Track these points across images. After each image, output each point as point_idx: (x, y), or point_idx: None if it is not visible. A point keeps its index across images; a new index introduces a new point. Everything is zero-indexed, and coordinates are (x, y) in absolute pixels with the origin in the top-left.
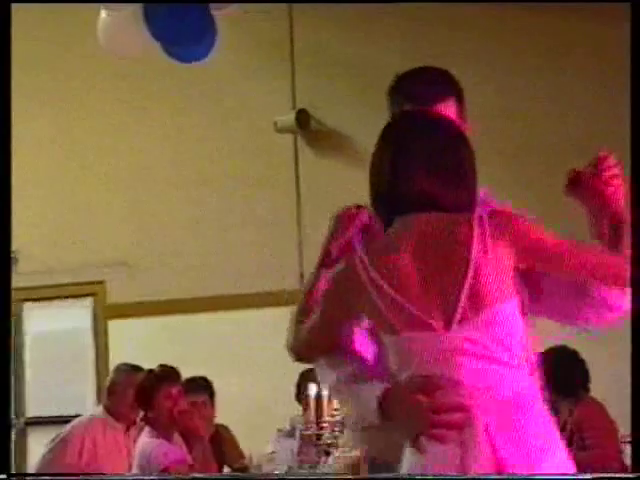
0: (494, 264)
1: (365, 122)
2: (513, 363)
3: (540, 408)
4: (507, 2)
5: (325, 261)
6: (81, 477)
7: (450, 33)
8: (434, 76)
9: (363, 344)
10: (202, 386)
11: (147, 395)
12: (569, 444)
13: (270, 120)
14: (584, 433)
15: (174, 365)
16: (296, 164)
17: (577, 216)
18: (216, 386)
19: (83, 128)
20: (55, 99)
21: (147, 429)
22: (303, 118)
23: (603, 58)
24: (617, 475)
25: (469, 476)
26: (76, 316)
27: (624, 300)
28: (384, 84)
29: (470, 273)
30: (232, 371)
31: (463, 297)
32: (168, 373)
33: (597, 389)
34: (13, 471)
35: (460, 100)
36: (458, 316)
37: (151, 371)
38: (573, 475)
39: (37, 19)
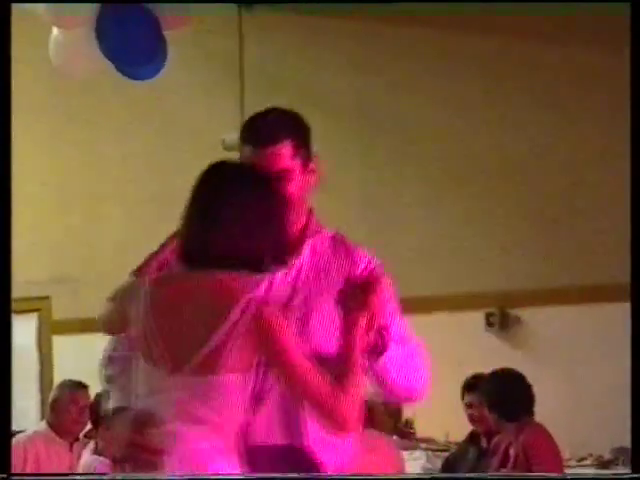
0: (237, 344)
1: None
2: (221, 433)
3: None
4: (505, 2)
5: (140, 270)
6: (81, 477)
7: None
8: (274, 118)
9: None
10: None
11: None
12: (514, 466)
13: (218, 138)
14: (530, 457)
15: None
16: None
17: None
18: None
19: (26, 147)
20: None
21: (91, 445)
22: None
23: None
24: (617, 475)
25: (469, 475)
26: (21, 332)
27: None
28: (335, 104)
29: (213, 340)
30: None
31: (200, 355)
32: None
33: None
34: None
35: (299, 142)
36: (188, 368)
37: None
38: (571, 475)
39: None
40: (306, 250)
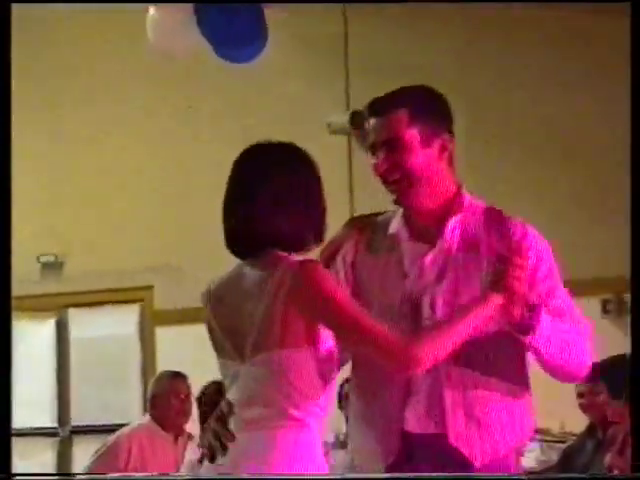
0: (282, 314)
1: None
2: (296, 415)
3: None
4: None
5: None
6: (85, 477)
7: (507, 37)
8: (395, 91)
9: None
10: None
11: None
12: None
13: (323, 122)
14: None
15: None
16: (350, 166)
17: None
18: None
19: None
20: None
21: (195, 442)
22: (357, 119)
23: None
24: (617, 475)
25: (471, 476)
26: (123, 322)
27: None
28: (439, 85)
29: (260, 317)
30: None
31: (252, 336)
32: None
33: None
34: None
35: (416, 112)
36: (248, 352)
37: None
38: (572, 475)
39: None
40: (454, 228)
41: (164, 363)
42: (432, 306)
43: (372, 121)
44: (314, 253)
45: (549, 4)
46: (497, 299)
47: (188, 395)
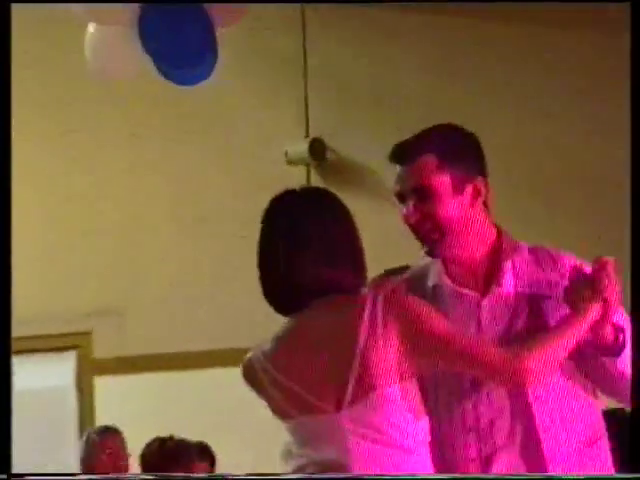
0: (382, 347)
1: (385, 151)
2: (410, 445)
3: None
4: (508, 2)
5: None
6: (82, 477)
7: (475, 52)
8: (420, 134)
9: None
10: (201, 452)
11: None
12: None
13: (280, 150)
14: None
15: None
16: None
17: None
18: (216, 451)
19: (65, 168)
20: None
21: None
22: (317, 148)
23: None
24: (617, 475)
25: (471, 476)
26: (57, 372)
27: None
28: (407, 111)
29: (357, 357)
30: (232, 434)
31: (352, 379)
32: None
33: None
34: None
35: (445, 156)
36: (348, 397)
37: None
38: (574, 475)
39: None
40: (508, 275)
41: (104, 417)
42: None
43: (398, 168)
44: None
45: (549, 4)
46: (595, 309)
47: (119, 450)
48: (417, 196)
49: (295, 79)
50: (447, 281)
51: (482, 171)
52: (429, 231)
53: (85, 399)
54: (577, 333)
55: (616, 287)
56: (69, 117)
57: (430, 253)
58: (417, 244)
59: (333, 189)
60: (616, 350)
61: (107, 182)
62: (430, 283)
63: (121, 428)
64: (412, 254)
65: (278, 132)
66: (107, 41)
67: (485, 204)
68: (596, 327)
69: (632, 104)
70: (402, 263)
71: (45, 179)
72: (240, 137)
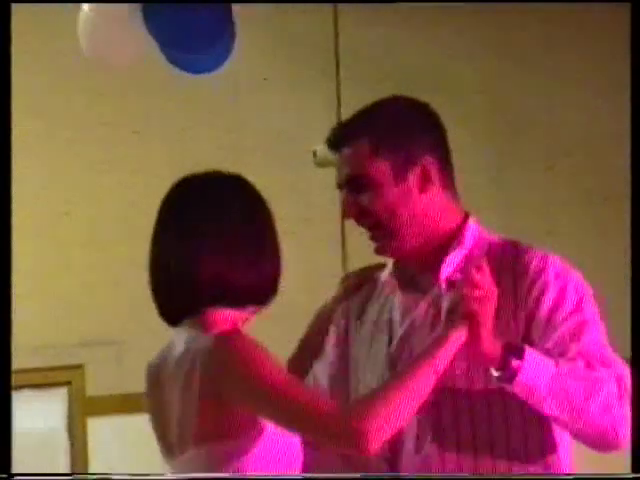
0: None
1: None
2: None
3: None
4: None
5: None
6: (81, 477)
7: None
8: (357, 113)
9: None
10: None
11: None
12: None
13: (307, 150)
14: None
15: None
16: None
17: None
18: None
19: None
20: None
21: None
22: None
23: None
24: (617, 475)
25: (471, 476)
26: (45, 412)
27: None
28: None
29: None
30: None
31: (174, 429)
32: None
33: None
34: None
35: (379, 140)
36: (175, 449)
37: None
38: (574, 475)
39: None
40: (448, 269)
41: (98, 463)
42: None
43: (336, 156)
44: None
45: (548, 4)
46: (459, 333)
47: None
48: (352, 187)
49: (326, 70)
50: (391, 282)
51: (436, 148)
52: (372, 228)
53: (77, 442)
54: (434, 368)
55: (489, 300)
56: (68, 123)
57: (378, 251)
58: None
59: None
60: (507, 376)
61: (97, 201)
62: (379, 286)
63: (118, 476)
64: None
65: (305, 129)
66: (104, 22)
67: (443, 187)
68: (468, 353)
69: (632, 104)
70: None
71: (36, 202)
72: (262, 136)
